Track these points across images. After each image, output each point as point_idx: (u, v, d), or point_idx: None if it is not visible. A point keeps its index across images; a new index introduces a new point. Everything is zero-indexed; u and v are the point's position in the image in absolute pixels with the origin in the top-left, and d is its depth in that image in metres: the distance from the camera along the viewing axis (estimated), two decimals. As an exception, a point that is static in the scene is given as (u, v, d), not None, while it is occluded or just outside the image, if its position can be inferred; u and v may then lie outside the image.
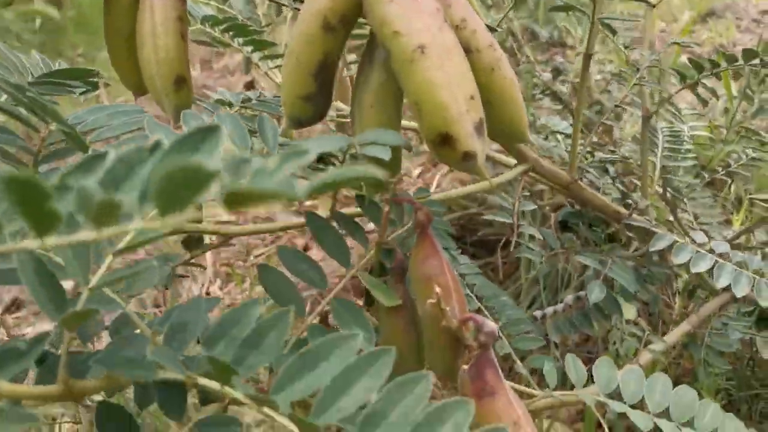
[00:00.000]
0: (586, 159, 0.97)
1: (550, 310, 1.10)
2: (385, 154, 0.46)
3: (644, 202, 0.80)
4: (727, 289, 1.02)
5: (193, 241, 0.70)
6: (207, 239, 0.77)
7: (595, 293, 0.82)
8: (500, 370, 0.51)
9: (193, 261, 0.74)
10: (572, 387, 0.70)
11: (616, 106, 0.86)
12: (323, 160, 0.52)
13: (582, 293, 1.08)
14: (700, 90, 1.39)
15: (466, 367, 0.50)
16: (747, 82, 0.99)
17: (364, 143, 0.47)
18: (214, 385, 0.40)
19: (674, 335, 0.92)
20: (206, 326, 0.44)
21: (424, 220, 0.50)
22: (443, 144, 0.48)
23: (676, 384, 0.67)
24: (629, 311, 1.22)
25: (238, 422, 0.48)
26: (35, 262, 0.38)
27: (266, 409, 0.37)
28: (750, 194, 1.21)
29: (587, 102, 1.02)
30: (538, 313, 1.08)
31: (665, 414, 0.65)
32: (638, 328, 0.91)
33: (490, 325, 0.50)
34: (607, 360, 0.69)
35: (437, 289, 0.47)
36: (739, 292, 0.76)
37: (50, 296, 0.37)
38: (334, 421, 0.36)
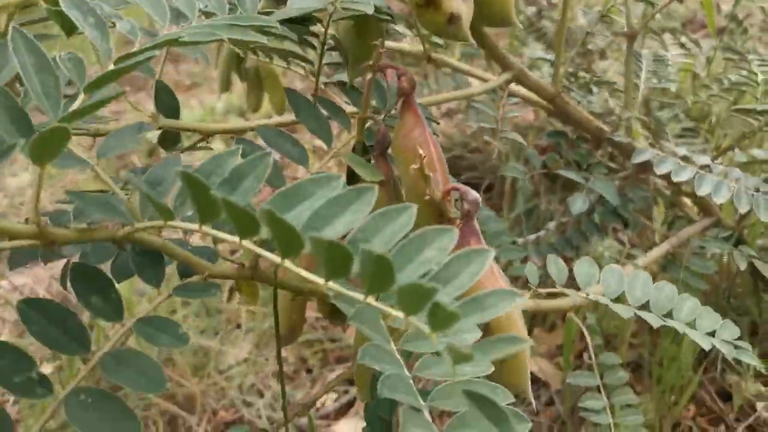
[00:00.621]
0: (570, 81, 0.96)
1: (532, 237, 1.11)
2: (368, 8, 0.44)
3: (626, 113, 0.80)
4: (708, 214, 1.04)
5: (169, 139, 0.69)
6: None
7: (578, 205, 0.83)
8: (484, 242, 0.51)
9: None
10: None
11: (603, 15, 0.86)
12: (307, 24, 0.50)
13: (564, 219, 1.09)
14: (684, 39, 1.38)
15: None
16: (732, 11, 0.99)
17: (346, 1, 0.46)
18: (192, 226, 0.39)
19: (655, 253, 0.92)
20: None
21: (407, 88, 0.49)
22: (428, 4, 0.47)
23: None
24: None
25: (217, 286, 0.48)
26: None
27: (245, 242, 0.37)
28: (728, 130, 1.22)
29: (571, 18, 1.01)
30: (520, 241, 1.09)
31: (646, 307, 0.66)
32: (620, 244, 0.92)
33: (474, 193, 0.49)
34: (588, 259, 0.70)
35: (420, 152, 0.46)
36: (720, 198, 0.76)
37: (14, 121, 0.35)
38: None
